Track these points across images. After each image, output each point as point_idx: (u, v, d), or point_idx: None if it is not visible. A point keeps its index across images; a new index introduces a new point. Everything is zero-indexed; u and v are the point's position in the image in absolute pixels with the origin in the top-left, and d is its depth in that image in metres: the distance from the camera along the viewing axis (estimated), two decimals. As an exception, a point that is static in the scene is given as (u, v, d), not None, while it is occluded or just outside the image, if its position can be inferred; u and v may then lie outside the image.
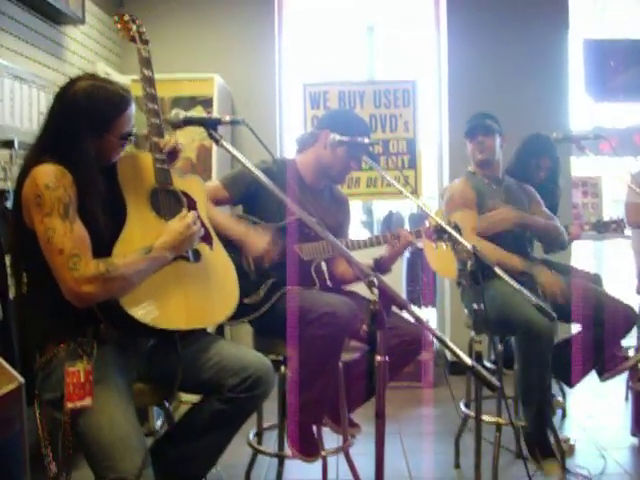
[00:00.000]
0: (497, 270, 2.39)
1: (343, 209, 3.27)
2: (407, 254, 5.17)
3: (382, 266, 2.97)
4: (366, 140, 2.95)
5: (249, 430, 3.08)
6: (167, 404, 2.56)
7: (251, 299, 2.80)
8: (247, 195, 2.96)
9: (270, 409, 2.99)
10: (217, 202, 2.99)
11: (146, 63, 2.42)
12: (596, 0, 6.00)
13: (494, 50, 5.26)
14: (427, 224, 2.87)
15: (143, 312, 2.11)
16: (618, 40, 5.78)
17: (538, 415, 3.17)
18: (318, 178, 3.11)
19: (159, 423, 3.87)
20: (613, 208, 5.80)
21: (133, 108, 2.26)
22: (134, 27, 2.48)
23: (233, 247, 2.73)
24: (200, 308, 2.27)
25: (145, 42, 2.47)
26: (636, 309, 3.45)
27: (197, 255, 2.34)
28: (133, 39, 2.47)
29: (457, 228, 2.75)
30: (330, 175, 3.11)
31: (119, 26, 2.49)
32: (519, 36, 5.27)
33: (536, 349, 3.08)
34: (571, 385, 3.51)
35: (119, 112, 2.21)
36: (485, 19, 5.28)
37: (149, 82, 2.39)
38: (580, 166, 5.56)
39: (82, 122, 2.15)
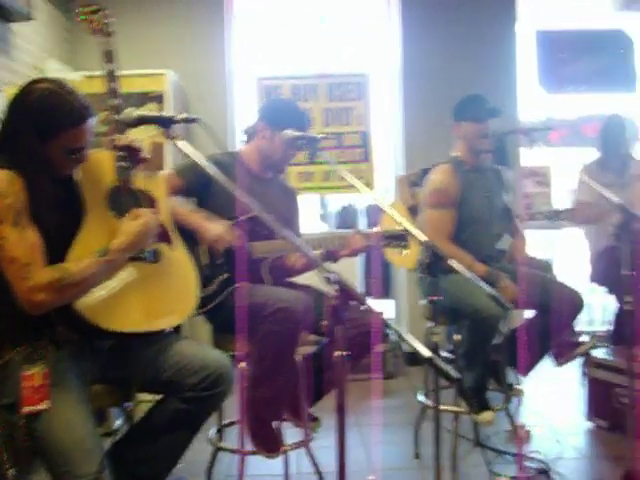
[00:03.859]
0: (451, 262, 2.42)
1: (292, 200, 3.30)
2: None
3: (332, 257, 2.99)
4: (319, 135, 2.97)
5: (210, 427, 3.08)
6: (127, 404, 2.54)
7: (204, 292, 2.81)
8: (200, 185, 2.95)
9: (231, 406, 2.99)
10: (170, 191, 2.97)
11: (109, 56, 2.36)
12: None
13: (446, 42, 5.32)
14: (376, 230, 2.91)
15: (100, 315, 2.09)
16: (569, 31, 5.88)
17: (476, 379, 3.28)
18: (263, 168, 3.16)
19: (119, 423, 3.84)
20: (565, 197, 5.89)
21: (89, 125, 2.16)
22: (98, 18, 2.40)
23: (189, 237, 2.73)
24: (159, 309, 2.27)
25: (109, 34, 2.40)
26: (585, 295, 3.54)
27: (156, 255, 2.33)
28: (96, 31, 2.40)
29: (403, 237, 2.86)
30: (271, 164, 3.15)
31: (83, 16, 2.41)
32: (470, 29, 5.33)
33: (482, 334, 3.19)
34: (524, 374, 3.57)
35: (68, 124, 2.11)
36: (437, 11, 5.33)
37: (112, 77, 2.35)
38: (530, 156, 5.63)
39: (28, 124, 2.10)
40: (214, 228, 2.83)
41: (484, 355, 3.25)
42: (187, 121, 2.09)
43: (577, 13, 6.01)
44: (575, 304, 3.41)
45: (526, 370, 3.50)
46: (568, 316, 3.41)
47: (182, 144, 2.02)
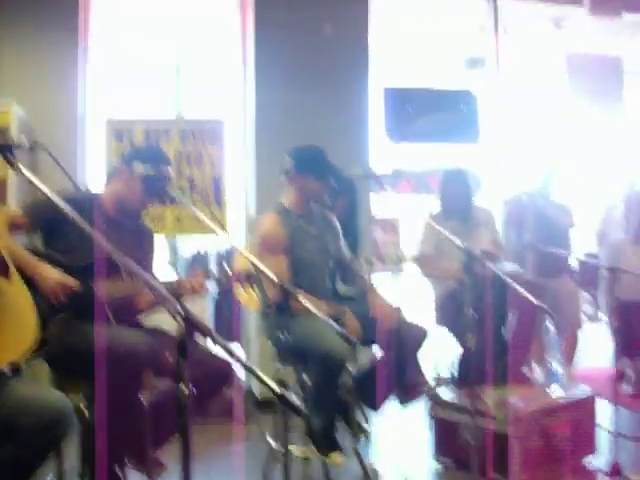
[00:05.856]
0: (300, 298, 2.45)
1: (148, 242, 3.28)
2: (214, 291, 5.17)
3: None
4: (169, 172, 2.96)
5: (48, 474, 2.91)
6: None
7: (43, 332, 2.68)
8: (48, 223, 2.87)
9: (71, 450, 2.85)
10: (13, 228, 2.84)
11: None
12: (395, 50, 6.39)
13: (299, 92, 5.42)
14: (227, 270, 2.93)
15: None
16: (416, 89, 6.19)
17: (325, 420, 3.33)
18: (118, 211, 3.12)
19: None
20: (412, 245, 6.11)
21: None
22: None
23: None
24: (-8, 345, 2.14)
25: None
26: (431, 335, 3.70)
27: (-10, 288, 2.21)
28: None
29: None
30: (125, 210, 3.14)
31: None
32: (323, 79, 5.48)
33: (329, 373, 3.22)
34: (376, 408, 3.64)
35: None
36: (292, 62, 5.45)
37: None
38: (380, 205, 5.81)
39: None
40: (53, 274, 2.72)
41: (332, 395, 3.29)
42: (31, 146, 2.01)
43: (427, 71, 6.39)
44: (418, 336, 3.56)
45: (377, 405, 3.58)
46: (412, 348, 3.55)
47: (29, 174, 1.93)
